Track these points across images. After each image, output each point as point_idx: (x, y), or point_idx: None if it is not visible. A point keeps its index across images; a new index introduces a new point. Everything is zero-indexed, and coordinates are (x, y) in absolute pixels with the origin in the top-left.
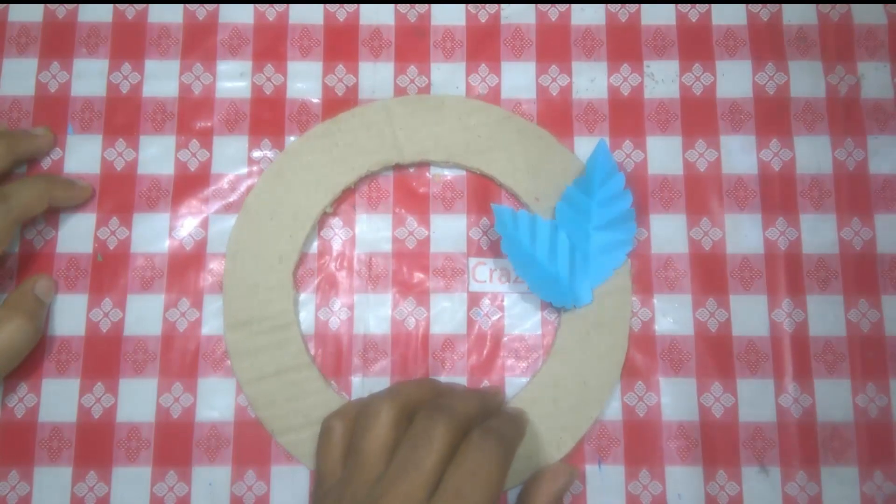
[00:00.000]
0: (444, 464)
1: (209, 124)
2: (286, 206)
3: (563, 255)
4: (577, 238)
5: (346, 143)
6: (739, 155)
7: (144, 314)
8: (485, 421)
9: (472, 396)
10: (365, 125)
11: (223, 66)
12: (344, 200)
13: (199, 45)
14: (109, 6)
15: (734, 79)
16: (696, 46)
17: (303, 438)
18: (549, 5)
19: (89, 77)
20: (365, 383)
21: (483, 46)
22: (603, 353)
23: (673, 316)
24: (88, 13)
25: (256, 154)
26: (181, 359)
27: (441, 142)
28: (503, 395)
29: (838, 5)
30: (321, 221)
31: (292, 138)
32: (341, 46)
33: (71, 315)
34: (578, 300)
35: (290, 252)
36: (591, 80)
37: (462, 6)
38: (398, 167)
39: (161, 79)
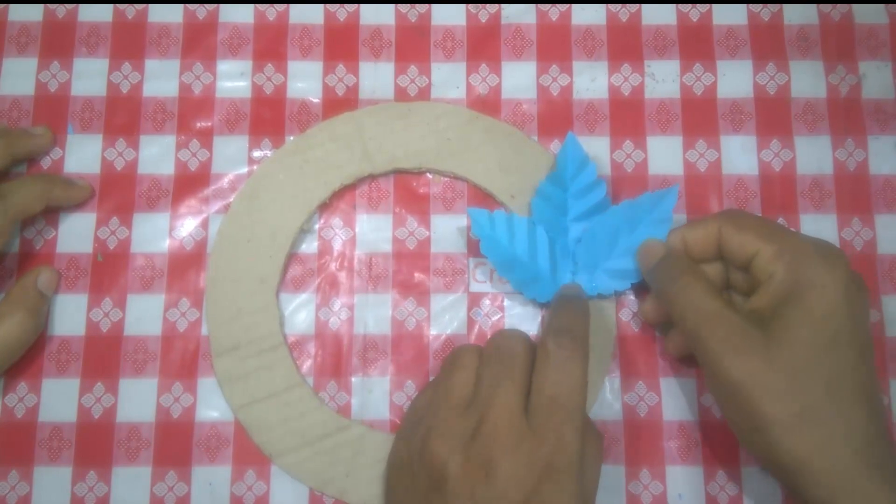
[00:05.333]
0: (528, 371)
1: (209, 124)
2: (263, 227)
3: (543, 250)
4: (555, 232)
5: (317, 158)
6: (740, 155)
7: (144, 314)
8: (551, 321)
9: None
10: (334, 138)
11: (223, 66)
12: (343, 200)
13: (199, 44)
14: (109, 6)
15: (735, 79)
16: (696, 46)
17: (302, 459)
18: (549, 5)
19: (89, 77)
20: (365, 383)
21: (483, 46)
22: (592, 344)
23: None
24: (88, 13)
25: (256, 154)
26: (181, 359)
27: (411, 148)
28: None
29: (839, 5)
30: (321, 217)
31: (291, 138)
32: (341, 46)
33: (71, 315)
34: None
35: (271, 273)
36: (591, 80)
37: (462, 6)
38: (373, 177)
39: (161, 78)
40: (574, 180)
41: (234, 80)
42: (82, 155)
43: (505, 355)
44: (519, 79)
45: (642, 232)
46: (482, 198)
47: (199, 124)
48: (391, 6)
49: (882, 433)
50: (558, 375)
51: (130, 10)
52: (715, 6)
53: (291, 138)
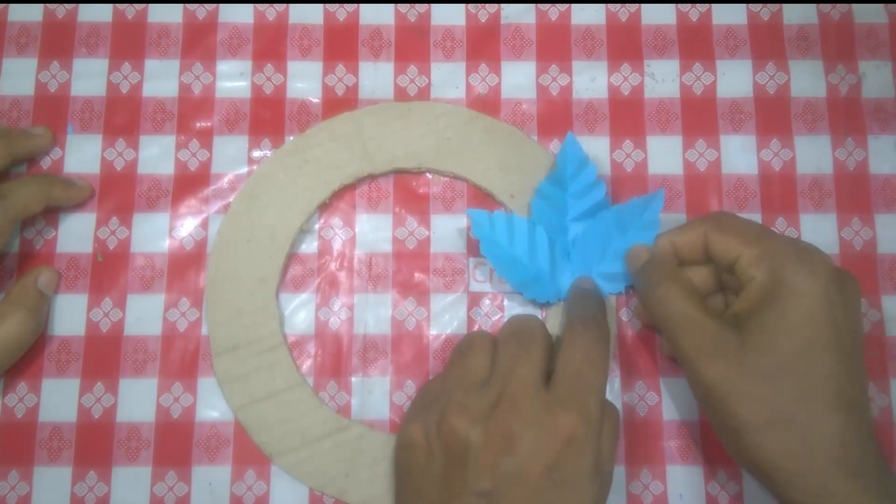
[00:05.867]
0: (548, 352)
1: (209, 124)
2: (262, 228)
3: (543, 250)
4: (555, 232)
5: (317, 158)
6: (739, 155)
7: (144, 314)
8: (574, 310)
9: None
10: (333, 138)
11: (223, 66)
12: (343, 200)
13: (198, 44)
14: (109, 6)
15: (734, 78)
16: (696, 46)
17: (302, 459)
18: (549, 5)
19: (89, 77)
20: (364, 383)
21: (483, 46)
22: None
23: None
24: (88, 13)
25: (256, 154)
26: (181, 359)
27: (411, 148)
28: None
29: (839, 4)
30: (322, 214)
31: (291, 138)
32: (341, 46)
33: (71, 315)
34: (562, 294)
35: (271, 273)
36: (591, 80)
37: (462, 6)
38: (373, 177)
39: (161, 79)
40: (574, 180)
41: (233, 80)
42: (82, 155)
43: (522, 335)
44: (518, 78)
45: (632, 236)
46: (482, 198)
47: (198, 124)
48: (391, 6)
49: (863, 439)
50: (585, 353)
51: (130, 10)
52: (714, 6)
53: (291, 138)
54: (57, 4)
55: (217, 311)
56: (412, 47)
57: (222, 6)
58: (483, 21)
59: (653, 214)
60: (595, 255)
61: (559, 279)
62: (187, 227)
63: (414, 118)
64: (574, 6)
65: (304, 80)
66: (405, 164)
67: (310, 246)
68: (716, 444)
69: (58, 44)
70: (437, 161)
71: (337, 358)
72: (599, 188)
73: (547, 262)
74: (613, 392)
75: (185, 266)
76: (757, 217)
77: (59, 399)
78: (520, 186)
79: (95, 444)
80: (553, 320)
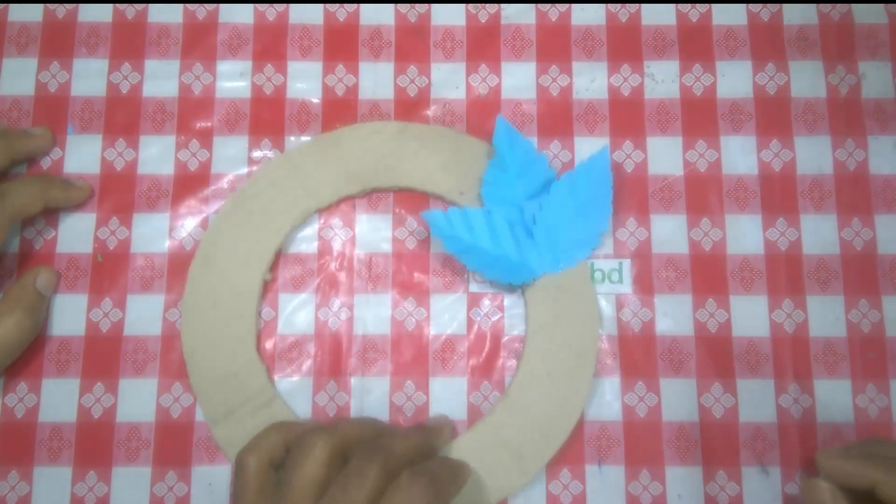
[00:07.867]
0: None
1: (209, 124)
2: (224, 290)
3: (504, 235)
4: (512, 214)
5: (261, 208)
6: (740, 155)
7: (144, 314)
8: (421, 463)
9: (414, 436)
10: (272, 184)
11: (223, 66)
12: (343, 200)
13: (198, 44)
14: (109, 6)
15: (734, 79)
16: (696, 47)
17: None
18: (549, 5)
19: (89, 77)
20: (364, 383)
21: (483, 46)
22: (578, 311)
23: (673, 316)
24: (88, 13)
25: (256, 154)
26: (181, 358)
27: (350, 174)
28: (450, 429)
29: (839, 5)
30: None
31: (292, 138)
32: (341, 46)
33: (71, 315)
34: (534, 272)
35: (246, 330)
36: (591, 81)
37: (462, 6)
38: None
39: (161, 79)
40: (514, 161)
41: (233, 80)
42: (82, 155)
43: (352, 478)
44: (518, 79)
45: (585, 194)
46: (434, 201)
47: (198, 124)
48: (391, 6)
49: None
50: None
51: (130, 10)
52: (714, 6)
53: (291, 139)
54: (57, 4)
55: (202, 382)
56: (412, 47)
57: (222, 6)
58: (483, 21)
59: (602, 170)
60: (557, 227)
61: (527, 257)
62: (187, 227)
63: (345, 144)
64: (574, 6)
65: (305, 80)
66: (348, 190)
67: (310, 246)
68: (715, 444)
69: (58, 44)
70: (379, 179)
71: (336, 358)
72: (541, 161)
73: (511, 246)
74: (613, 392)
75: (185, 266)
76: (757, 217)
77: (59, 399)
78: (466, 182)
79: (95, 444)
80: (534, 299)
